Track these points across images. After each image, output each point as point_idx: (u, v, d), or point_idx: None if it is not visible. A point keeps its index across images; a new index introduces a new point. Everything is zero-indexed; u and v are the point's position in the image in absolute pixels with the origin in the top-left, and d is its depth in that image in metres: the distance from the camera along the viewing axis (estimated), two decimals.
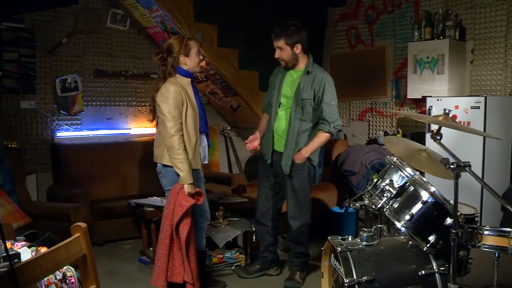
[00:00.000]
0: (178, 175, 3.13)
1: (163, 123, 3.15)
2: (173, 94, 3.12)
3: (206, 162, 3.42)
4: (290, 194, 3.60)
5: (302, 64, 3.55)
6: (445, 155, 2.56)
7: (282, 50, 3.48)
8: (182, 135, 3.14)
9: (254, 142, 3.64)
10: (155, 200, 4.21)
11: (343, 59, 6.43)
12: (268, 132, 3.64)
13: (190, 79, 3.29)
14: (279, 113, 3.58)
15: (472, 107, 4.49)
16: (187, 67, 3.25)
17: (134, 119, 5.71)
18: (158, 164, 3.30)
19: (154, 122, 3.35)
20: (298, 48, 3.47)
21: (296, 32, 3.46)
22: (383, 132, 5.75)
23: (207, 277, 3.60)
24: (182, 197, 3.09)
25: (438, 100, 4.75)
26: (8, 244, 2.16)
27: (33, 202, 4.67)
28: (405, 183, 2.65)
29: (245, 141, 3.70)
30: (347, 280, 2.44)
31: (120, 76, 5.57)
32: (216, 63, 5.39)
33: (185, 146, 3.14)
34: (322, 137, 3.54)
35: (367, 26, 6.13)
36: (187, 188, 3.11)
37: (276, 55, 3.52)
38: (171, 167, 3.18)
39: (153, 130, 5.61)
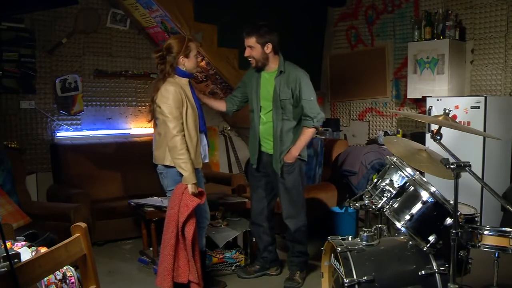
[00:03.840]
0: (181, 175, 3.13)
1: (164, 124, 3.14)
2: (173, 95, 3.12)
3: (206, 160, 3.42)
4: (284, 194, 3.60)
5: (274, 65, 3.54)
6: (445, 155, 2.56)
7: (253, 49, 3.47)
8: (184, 135, 3.14)
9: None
10: (155, 200, 4.21)
11: (343, 59, 6.43)
12: (253, 137, 3.65)
13: (187, 79, 3.30)
14: (262, 117, 3.58)
15: (472, 107, 4.49)
16: (185, 68, 3.25)
17: (134, 119, 5.71)
18: (159, 165, 3.30)
19: (152, 123, 3.35)
20: (268, 48, 3.46)
21: (268, 32, 3.46)
22: (383, 132, 5.75)
23: (207, 277, 3.60)
24: (187, 197, 3.09)
25: (438, 100, 4.75)
26: (8, 244, 2.16)
27: (33, 202, 4.66)
28: (405, 183, 2.66)
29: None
30: (347, 280, 2.44)
31: (120, 76, 5.57)
32: (216, 63, 5.39)
33: (187, 146, 3.14)
34: (308, 133, 3.54)
35: (367, 26, 6.13)
36: (191, 188, 3.11)
37: (246, 54, 3.51)
38: (173, 167, 3.17)
39: (152, 130, 5.65)
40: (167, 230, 3.13)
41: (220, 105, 3.80)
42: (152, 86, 3.33)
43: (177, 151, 3.10)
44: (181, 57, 3.21)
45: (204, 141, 3.37)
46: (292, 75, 3.49)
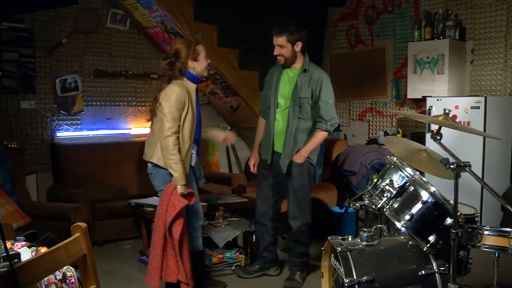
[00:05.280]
0: (171, 175, 3.13)
1: (160, 122, 3.13)
2: (177, 95, 3.11)
3: (193, 164, 3.40)
4: (292, 195, 3.60)
5: (299, 63, 3.53)
6: (445, 155, 2.56)
7: (283, 48, 3.46)
8: (178, 137, 3.14)
9: (253, 166, 3.77)
10: (155, 200, 4.20)
11: (343, 59, 6.43)
12: (268, 133, 3.64)
13: (196, 85, 3.29)
14: (278, 114, 3.58)
15: (472, 107, 4.49)
16: (195, 71, 3.25)
17: (134, 119, 5.71)
18: (149, 165, 3.29)
19: (151, 121, 3.33)
20: (298, 46, 3.46)
21: (298, 30, 3.46)
22: (383, 132, 5.75)
23: (207, 277, 3.60)
24: (175, 197, 3.08)
25: (438, 100, 4.75)
26: (8, 244, 2.16)
27: (33, 202, 4.66)
28: (405, 183, 2.65)
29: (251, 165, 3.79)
30: (347, 280, 2.44)
31: (120, 76, 5.57)
32: (216, 63, 5.38)
33: (179, 147, 3.14)
34: (319, 136, 3.55)
35: (367, 26, 6.13)
36: (180, 189, 3.10)
37: (276, 52, 3.50)
38: (162, 168, 3.17)
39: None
40: (155, 230, 3.14)
41: (262, 130, 3.76)
42: (157, 86, 3.31)
43: (169, 151, 3.09)
44: (190, 61, 3.21)
45: (196, 147, 3.36)
46: (315, 75, 3.49)
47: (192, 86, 3.25)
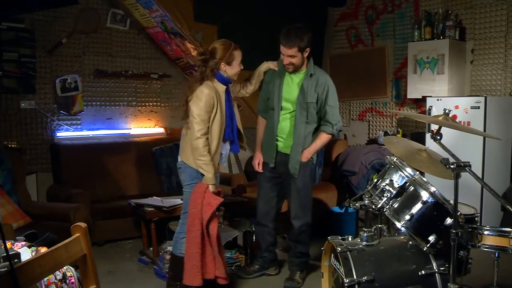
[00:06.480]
0: (198, 172, 3.20)
1: (191, 124, 3.18)
2: (206, 98, 3.14)
3: (224, 164, 3.46)
4: (295, 195, 3.60)
5: (303, 67, 3.51)
6: (445, 155, 2.56)
7: (293, 57, 3.40)
8: (207, 138, 3.18)
9: (258, 165, 3.72)
10: (155, 200, 4.21)
11: (343, 59, 6.43)
12: (270, 136, 3.62)
13: (225, 86, 3.30)
14: (282, 117, 3.57)
15: (472, 107, 4.50)
16: (226, 74, 3.27)
17: (134, 119, 5.71)
18: (179, 160, 3.34)
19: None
20: (307, 52, 3.44)
21: (306, 35, 3.40)
22: (383, 132, 5.75)
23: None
24: (209, 196, 3.16)
25: (438, 100, 4.75)
26: (8, 244, 2.16)
27: (33, 202, 4.66)
28: (405, 183, 2.66)
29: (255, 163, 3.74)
30: (347, 280, 2.45)
31: (120, 76, 5.57)
32: None
33: (208, 148, 3.18)
34: (324, 138, 3.57)
35: (367, 26, 6.13)
36: (211, 188, 3.18)
37: (286, 62, 3.43)
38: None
39: (152, 130, 5.66)
40: (191, 229, 3.17)
41: (262, 129, 3.76)
42: (188, 87, 3.32)
43: (199, 152, 3.14)
44: (223, 63, 3.23)
45: (228, 146, 3.42)
46: (321, 79, 3.49)
47: (221, 88, 3.27)
